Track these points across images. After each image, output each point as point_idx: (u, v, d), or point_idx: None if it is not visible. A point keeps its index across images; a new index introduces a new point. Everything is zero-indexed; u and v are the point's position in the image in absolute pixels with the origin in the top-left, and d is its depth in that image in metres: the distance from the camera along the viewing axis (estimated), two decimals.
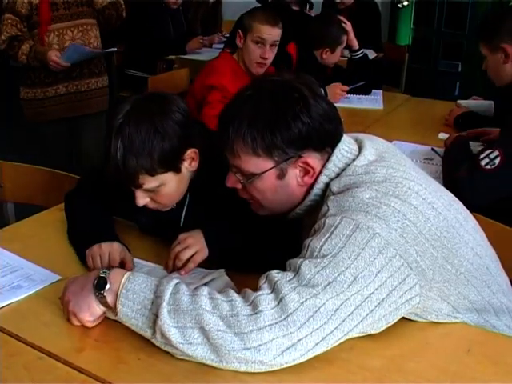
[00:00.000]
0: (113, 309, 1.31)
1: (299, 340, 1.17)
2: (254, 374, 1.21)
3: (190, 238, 1.56)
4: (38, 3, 3.13)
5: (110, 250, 1.58)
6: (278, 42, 3.02)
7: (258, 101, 1.34)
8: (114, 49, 3.78)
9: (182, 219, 1.72)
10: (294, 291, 1.19)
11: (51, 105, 3.34)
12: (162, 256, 1.62)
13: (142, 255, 1.67)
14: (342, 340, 1.22)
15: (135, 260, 1.64)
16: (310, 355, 1.20)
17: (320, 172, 1.38)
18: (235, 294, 1.24)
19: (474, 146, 2.41)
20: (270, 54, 3.01)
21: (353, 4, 4.86)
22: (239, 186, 1.43)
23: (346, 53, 3.85)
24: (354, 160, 1.38)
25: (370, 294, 1.20)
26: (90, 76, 3.40)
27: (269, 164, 1.35)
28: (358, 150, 1.41)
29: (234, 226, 1.60)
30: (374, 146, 1.43)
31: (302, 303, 1.18)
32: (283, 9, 4.65)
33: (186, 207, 1.71)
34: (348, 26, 3.62)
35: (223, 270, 1.52)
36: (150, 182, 1.52)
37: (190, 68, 4.35)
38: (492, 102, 2.66)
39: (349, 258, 1.20)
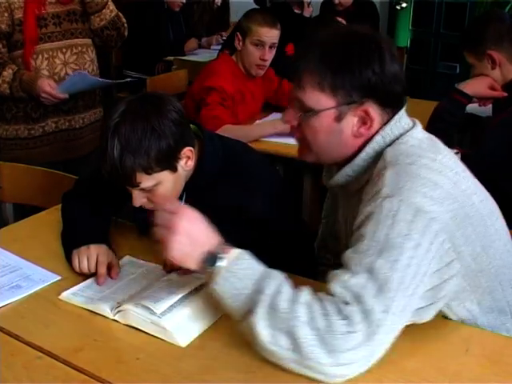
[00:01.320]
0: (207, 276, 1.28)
1: (378, 346, 1.17)
2: (254, 374, 1.21)
3: None
4: (22, 17, 2.45)
5: (98, 252, 1.57)
6: (276, 44, 3.02)
7: (336, 41, 1.35)
8: (129, 79, 3.22)
9: None
10: (377, 303, 1.16)
11: (37, 146, 2.62)
12: (160, 257, 1.62)
13: (140, 255, 1.67)
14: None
15: (134, 260, 1.64)
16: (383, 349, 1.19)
17: (376, 132, 1.36)
18: (330, 305, 1.18)
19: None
20: (270, 55, 3.02)
21: (351, 5, 4.86)
22: (295, 123, 1.40)
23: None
24: (408, 131, 1.38)
25: (422, 277, 1.21)
26: (86, 109, 2.73)
27: (330, 102, 1.33)
28: (412, 124, 1.41)
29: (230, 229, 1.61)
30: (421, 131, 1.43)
31: (386, 312, 1.16)
32: (284, 11, 4.66)
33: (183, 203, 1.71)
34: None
35: None
36: (147, 181, 1.52)
37: (189, 69, 4.35)
38: (490, 106, 2.66)
39: (412, 247, 1.19)
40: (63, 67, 2.56)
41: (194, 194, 1.67)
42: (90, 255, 1.56)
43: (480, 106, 2.58)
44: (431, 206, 1.22)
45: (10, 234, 1.83)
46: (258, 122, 3.06)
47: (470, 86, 2.41)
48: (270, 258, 1.54)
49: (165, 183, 1.55)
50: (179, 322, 1.34)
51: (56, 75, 2.53)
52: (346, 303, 1.17)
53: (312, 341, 1.14)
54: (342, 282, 1.20)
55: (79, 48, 2.60)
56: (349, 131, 1.36)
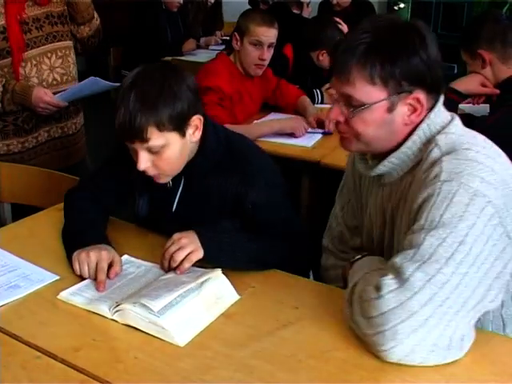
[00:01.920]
0: None
1: (426, 319, 1.20)
2: (252, 374, 1.21)
3: (184, 238, 1.55)
4: (4, 23, 2.29)
5: (97, 257, 1.56)
6: (274, 43, 3.03)
7: (379, 32, 1.35)
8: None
9: (175, 205, 1.76)
10: (418, 270, 1.22)
11: (31, 158, 2.47)
12: (158, 255, 1.62)
13: (138, 254, 1.67)
14: (465, 319, 1.23)
15: (132, 259, 1.64)
16: (437, 333, 1.20)
17: (422, 120, 1.38)
18: (378, 278, 1.28)
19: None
20: (268, 55, 3.02)
21: (349, 6, 4.87)
22: (342, 119, 1.40)
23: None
24: (451, 121, 1.40)
25: (481, 264, 1.23)
26: (77, 113, 2.63)
27: (382, 95, 1.34)
28: (450, 115, 1.43)
29: (229, 226, 1.63)
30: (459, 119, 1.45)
31: (429, 280, 1.20)
32: (283, 11, 4.66)
33: (179, 193, 1.75)
34: (344, 27, 3.63)
35: (219, 269, 1.53)
36: (157, 139, 1.55)
37: (187, 70, 4.32)
38: (487, 105, 2.67)
39: (467, 226, 1.22)
40: (50, 72, 2.44)
41: (193, 181, 1.72)
42: (90, 261, 1.56)
43: (474, 104, 2.60)
44: (488, 190, 1.25)
45: (8, 234, 1.83)
46: (256, 122, 3.06)
47: (462, 84, 2.44)
48: (267, 248, 1.57)
49: (172, 146, 1.58)
50: (177, 322, 1.34)
51: (44, 81, 2.41)
52: (387, 276, 1.25)
53: (358, 311, 1.29)
54: (391, 264, 1.28)
55: (63, 51, 2.48)
56: (400, 120, 1.37)
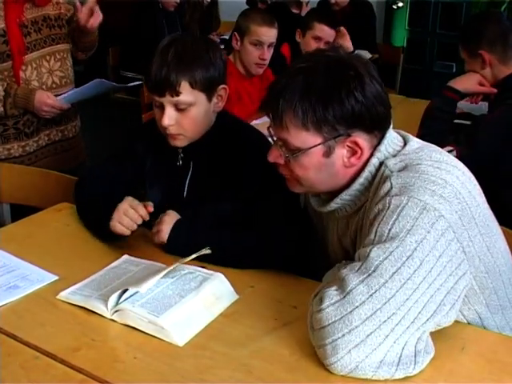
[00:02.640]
0: None
1: (368, 335, 1.16)
2: (251, 374, 1.22)
3: (167, 216, 1.66)
4: (4, 27, 2.27)
5: (129, 205, 1.61)
6: (274, 43, 3.04)
7: (312, 74, 1.29)
8: (138, 82, 2.85)
9: (185, 191, 1.80)
10: (362, 283, 1.18)
11: (32, 162, 2.45)
12: (158, 255, 1.65)
13: (138, 254, 1.67)
14: (416, 334, 1.19)
15: (131, 258, 1.65)
16: (383, 350, 1.16)
17: (371, 155, 1.35)
18: (324, 289, 1.26)
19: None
20: (268, 55, 3.03)
21: (348, 5, 4.87)
22: (281, 162, 1.39)
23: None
24: (403, 146, 1.37)
25: (434, 280, 1.19)
26: (75, 116, 2.62)
27: (317, 139, 1.31)
28: (403, 140, 1.40)
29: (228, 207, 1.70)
30: (416, 139, 1.42)
31: (371, 295, 1.17)
32: (282, 10, 4.66)
33: (188, 179, 1.80)
34: (343, 29, 3.65)
35: (221, 274, 1.52)
36: (187, 95, 1.64)
37: None
38: (486, 103, 2.68)
39: (415, 241, 1.19)
40: (49, 76, 2.43)
41: (201, 164, 1.78)
42: (127, 212, 1.60)
43: (471, 103, 2.60)
44: (440, 204, 1.22)
45: (7, 235, 1.83)
46: (254, 122, 3.06)
47: (460, 83, 2.45)
48: (230, 238, 1.63)
49: (198, 106, 1.67)
50: (177, 321, 1.34)
51: (44, 85, 2.40)
52: (332, 287, 1.23)
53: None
54: (338, 275, 1.25)
55: (61, 54, 2.47)
56: (339, 163, 1.34)
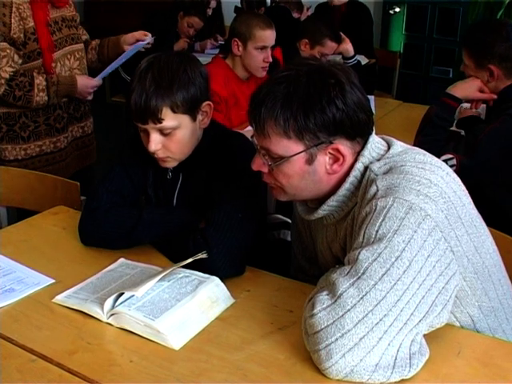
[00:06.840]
0: None
1: (361, 338, 1.16)
2: (246, 377, 1.22)
3: None
4: (34, 25, 2.36)
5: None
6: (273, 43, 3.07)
7: (293, 82, 1.30)
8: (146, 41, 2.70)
9: (175, 200, 1.82)
10: (352, 286, 1.19)
11: (62, 159, 2.56)
12: (154, 258, 1.65)
13: (134, 257, 1.67)
14: (409, 336, 1.19)
15: (128, 261, 1.65)
16: (378, 353, 1.16)
17: (355, 160, 1.36)
18: (316, 294, 1.27)
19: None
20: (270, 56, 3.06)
21: (344, 6, 4.87)
22: (265, 170, 1.39)
23: (338, 58, 3.87)
24: (387, 150, 1.38)
25: (424, 281, 1.19)
26: (91, 112, 2.73)
27: (299, 147, 1.31)
28: (386, 144, 1.41)
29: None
30: (399, 143, 1.43)
31: (362, 298, 1.17)
32: (283, 15, 4.67)
33: (178, 188, 1.80)
34: (342, 35, 3.66)
35: (217, 278, 1.52)
36: (170, 120, 1.61)
37: None
38: (484, 106, 2.68)
39: (403, 241, 1.19)
40: (70, 73, 2.53)
41: (189, 175, 1.78)
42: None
43: (471, 108, 2.60)
44: (425, 203, 1.23)
45: (3, 238, 1.83)
46: (250, 128, 3.07)
47: (460, 90, 2.43)
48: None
49: (183, 129, 1.65)
50: (173, 325, 1.34)
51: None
52: (323, 292, 1.24)
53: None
54: (329, 279, 1.26)
55: (80, 53, 2.59)
56: (322, 170, 1.35)
